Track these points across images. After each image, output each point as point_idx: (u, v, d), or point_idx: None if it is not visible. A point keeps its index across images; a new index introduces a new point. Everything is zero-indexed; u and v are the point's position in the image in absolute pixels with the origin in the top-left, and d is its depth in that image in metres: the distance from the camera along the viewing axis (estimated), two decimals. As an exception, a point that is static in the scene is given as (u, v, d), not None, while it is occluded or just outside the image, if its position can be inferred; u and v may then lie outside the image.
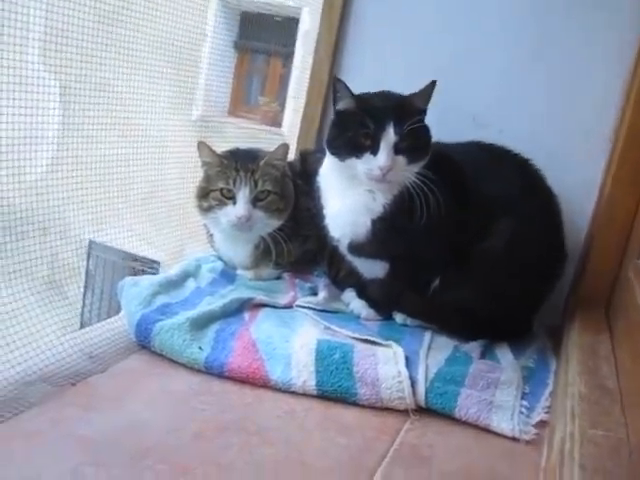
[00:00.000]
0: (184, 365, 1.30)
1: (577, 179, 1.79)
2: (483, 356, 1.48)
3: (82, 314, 5.22)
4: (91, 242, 4.95)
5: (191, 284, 1.62)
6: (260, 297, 1.57)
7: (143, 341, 1.35)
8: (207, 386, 1.25)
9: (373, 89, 1.53)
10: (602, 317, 1.60)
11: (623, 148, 1.60)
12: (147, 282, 1.51)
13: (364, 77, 1.91)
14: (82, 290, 5.31)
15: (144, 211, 2.10)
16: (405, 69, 1.93)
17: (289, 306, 1.61)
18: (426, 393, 1.26)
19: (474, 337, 1.54)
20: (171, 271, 1.64)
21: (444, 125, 1.53)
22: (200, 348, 1.31)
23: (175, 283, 1.58)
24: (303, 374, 1.27)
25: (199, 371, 1.29)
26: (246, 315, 1.50)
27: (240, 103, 6.43)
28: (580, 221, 1.79)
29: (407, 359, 1.33)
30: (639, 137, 1.60)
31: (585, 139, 1.80)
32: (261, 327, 1.43)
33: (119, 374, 1.25)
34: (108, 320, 1.46)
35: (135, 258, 5.19)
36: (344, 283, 1.76)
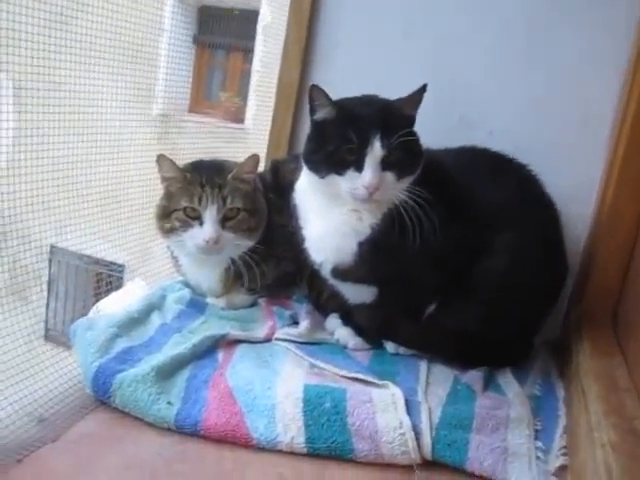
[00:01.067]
0: (151, 424, 1.13)
1: (574, 183, 1.65)
2: (486, 387, 1.34)
3: (46, 320, 5.10)
4: (53, 247, 4.82)
5: (156, 320, 1.43)
6: (234, 332, 1.40)
7: (102, 397, 1.16)
8: (180, 450, 1.07)
9: (351, 94, 1.36)
10: (610, 335, 1.47)
11: (626, 150, 1.46)
12: (104, 323, 1.32)
13: (340, 80, 1.72)
14: (45, 295, 5.16)
15: (107, 212, 2.00)
16: (386, 67, 1.78)
17: (268, 339, 1.43)
18: (433, 444, 1.10)
19: (474, 364, 1.40)
20: (132, 305, 1.45)
21: (428, 126, 1.35)
22: (169, 403, 1.14)
23: (137, 321, 1.39)
24: (291, 429, 1.10)
25: (169, 430, 1.12)
26: (220, 355, 1.32)
27: (201, 99, 6.25)
28: (578, 229, 1.66)
29: (406, 402, 1.17)
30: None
31: (582, 141, 1.66)
32: (238, 370, 1.25)
33: (74, 442, 1.06)
34: (60, 370, 1.26)
35: (99, 262, 5.07)
36: (327, 307, 1.59)
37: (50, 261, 5.24)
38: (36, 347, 1.58)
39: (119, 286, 1.90)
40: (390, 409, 1.14)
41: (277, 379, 1.22)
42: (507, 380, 1.38)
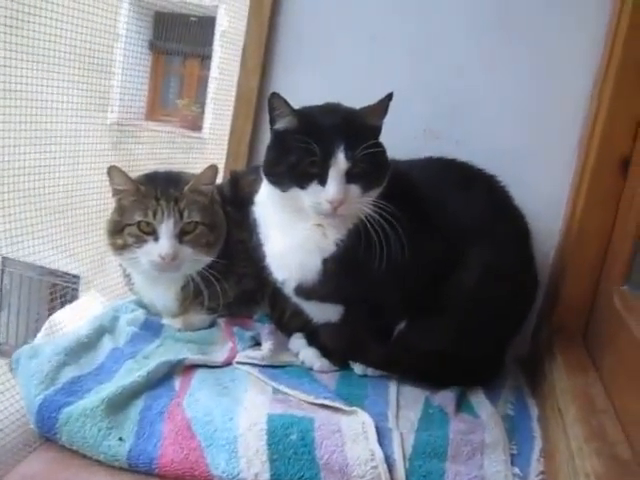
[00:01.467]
0: (102, 462, 1.04)
1: (542, 193, 1.62)
2: (459, 408, 1.28)
3: None
4: (4, 258, 4.79)
5: (107, 344, 1.33)
6: (192, 357, 1.31)
7: (47, 433, 1.07)
8: (133, 492, 0.98)
9: (314, 102, 1.29)
10: (583, 351, 1.43)
11: (596, 160, 1.43)
12: (49, 351, 1.22)
13: (302, 88, 1.66)
14: None
15: (61, 222, 1.86)
16: (352, 73, 1.71)
17: (228, 363, 1.35)
18: (407, 477, 1.04)
19: (446, 384, 1.34)
20: (82, 328, 1.35)
21: (391, 137, 1.29)
22: (121, 439, 1.05)
23: (86, 346, 1.29)
24: (254, 464, 1.02)
25: (122, 469, 1.03)
26: (177, 382, 1.23)
27: (157, 106, 6.15)
28: (546, 242, 1.62)
29: (377, 429, 1.11)
30: (612, 148, 1.42)
31: (550, 149, 1.63)
32: (196, 399, 1.17)
33: (15, 487, 0.96)
34: (3, 398, 1.16)
35: (54, 273, 4.88)
36: (291, 326, 1.52)
37: (2, 272, 5.16)
38: None
39: (74, 298, 1.87)
40: (360, 439, 1.07)
41: (239, 408, 1.13)
42: (479, 400, 1.33)
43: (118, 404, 1.10)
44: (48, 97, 1.81)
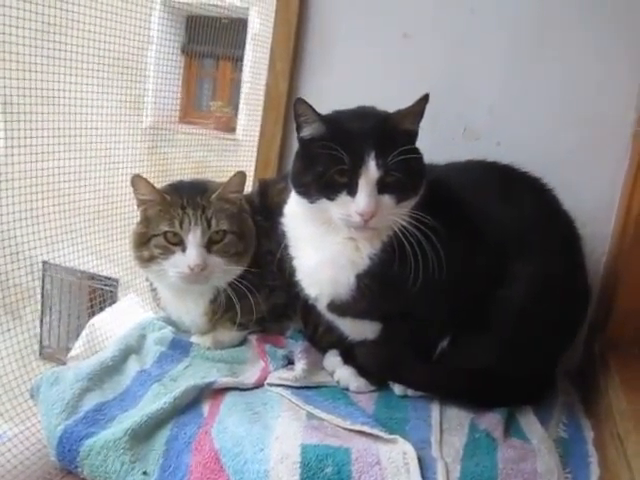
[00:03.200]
0: (125, 498, 0.97)
1: (591, 195, 1.51)
2: (507, 432, 1.19)
3: (40, 338, 5.09)
4: (45, 263, 4.69)
5: (133, 366, 1.28)
6: (222, 380, 1.24)
7: (69, 466, 1.02)
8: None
9: (345, 107, 1.21)
10: (641, 366, 1.32)
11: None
12: (72, 376, 1.17)
13: (333, 92, 1.59)
14: (39, 313, 5.13)
15: (99, 227, 1.95)
16: (384, 74, 1.62)
17: (259, 384, 1.28)
18: (452, 514, 0.95)
19: (492, 406, 1.25)
20: (107, 350, 1.30)
21: (427, 139, 1.21)
22: (145, 473, 0.99)
23: (111, 369, 1.24)
24: (286, 501, 0.95)
25: (146, 506, 0.96)
26: (205, 407, 1.17)
27: (191, 109, 6.16)
28: (597, 247, 1.51)
29: (419, 459, 1.02)
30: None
31: (599, 147, 1.51)
32: (226, 426, 1.10)
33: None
34: (21, 433, 1.11)
35: (92, 277, 5.04)
36: (324, 342, 1.44)
37: (43, 277, 5.17)
38: (31, 364, 1.51)
39: (113, 301, 1.87)
40: (402, 472, 0.99)
41: (270, 438, 1.06)
42: (529, 422, 1.24)
43: (143, 434, 1.04)
44: (84, 102, 1.84)
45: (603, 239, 1.52)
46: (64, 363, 1.51)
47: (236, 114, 5.50)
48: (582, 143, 1.52)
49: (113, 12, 1.81)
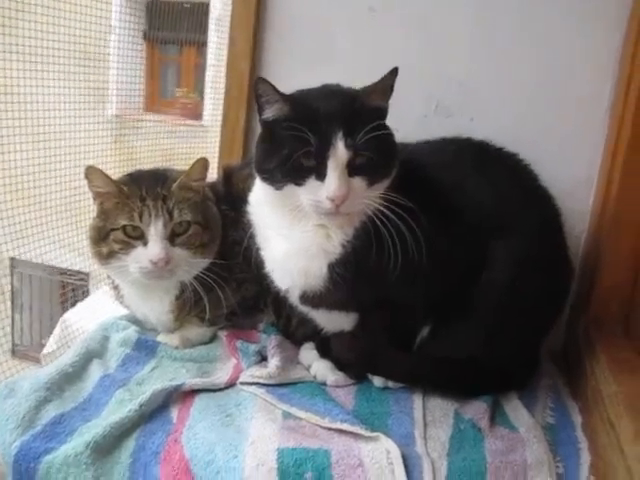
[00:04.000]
0: (88, 518, 0.90)
1: (568, 171, 1.46)
2: (492, 420, 1.13)
3: (12, 336, 4.83)
4: (12, 259, 4.66)
5: (95, 371, 1.20)
6: (191, 381, 1.16)
7: (26, 486, 0.93)
8: None
9: (311, 85, 1.13)
10: (626, 345, 1.29)
11: (633, 133, 1.25)
12: (28, 387, 1.08)
13: (297, 69, 1.51)
14: (9, 311, 4.80)
15: (66, 220, 1.88)
16: (348, 53, 1.54)
17: (232, 383, 1.21)
18: (441, 516, 0.89)
19: (476, 394, 1.19)
20: (66, 356, 1.22)
21: (398, 117, 1.13)
22: (109, 490, 0.91)
23: (71, 376, 1.16)
24: (262, 512, 0.88)
25: (110, 525, 0.89)
26: (174, 412, 1.09)
27: (156, 97, 6.04)
28: (576, 224, 1.46)
29: (404, 457, 0.96)
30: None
31: (576, 125, 1.47)
32: (196, 432, 1.03)
33: None
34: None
35: (62, 271, 4.86)
36: (298, 335, 1.37)
37: (12, 274, 5.03)
38: (3, 363, 1.57)
39: (85, 295, 1.79)
40: (386, 473, 0.93)
41: (245, 443, 0.99)
42: (515, 408, 1.19)
43: (106, 447, 0.97)
44: (45, 94, 1.82)
45: (582, 216, 1.48)
46: (38, 360, 1.44)
47: (202, 100, 5.40)
48: (558, 118, 1.48)
49: (71, 1, 1.78)
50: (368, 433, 1.01)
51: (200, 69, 5.80)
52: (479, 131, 1.29)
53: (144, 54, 5.39)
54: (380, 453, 0.97)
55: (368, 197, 1.04)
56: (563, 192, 1.29)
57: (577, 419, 1.20)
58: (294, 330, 1.39)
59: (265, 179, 1.08)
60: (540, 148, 1.33)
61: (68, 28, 1.80)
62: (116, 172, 1.34)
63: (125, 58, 2.72)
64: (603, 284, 1.36)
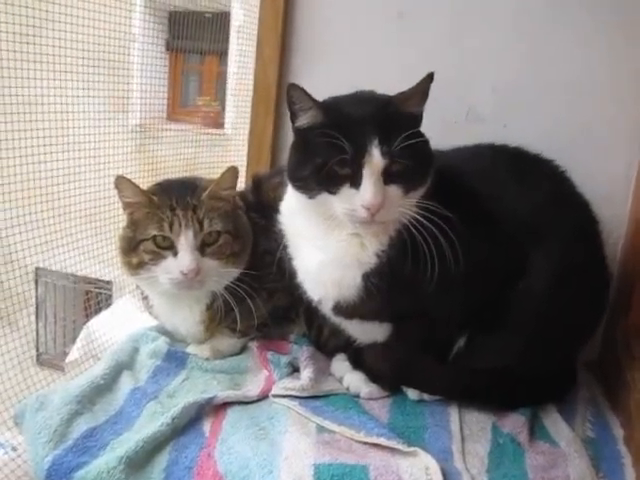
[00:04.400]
0: (122, 534, 0.88)
1: (605, 178, 1.42)
2: (532, 434, 1.10)
3: (37, 344, 4.94)
4: (38, 269, 4.63)
5: (126, 384, 1.18)
6: (223, 394, 1.14)
7: (59, 501, 0.92)
8: None
9: (341, 93, 1.11)
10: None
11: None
12: (59, 400, 1.07)
13: (326, 77, 1.49)
14: (34, 320, 4.96)
15: (90, 229, 1.88)
16: (378, 59, 1.52)
17: (264, 396, 1.19)
18: (483, 534, 0.86)
19: (514, 406, 1.16)
20: (96, 368, 1.21)
21: (426, 122, 1.09)
22: (143, 505, 0.89)
23: (102, 389, 1.14)
24: (300, 531, 0.86)
25: (146, 542, 0.87)
26: (206, 426, 1.08)
27: (178, 106, 6.04)
28: (613, 230, 1.41)
29: (443, 473, 0.93)
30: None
31: (611, 124, 1.43)
32: (230, 446, 1.01)
33: None
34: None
35: (86, 280, 4.86)
36: (330, 346, 1.35)
37: (36, 283, 5.04)
38: (28, 370, 1.53)
39: (109, 303, 1.80)
40: (425, 489, 0.90)
41: (279, 457, 0.97)
42: (555, 422, 1.16)
43: (139, 461, 0.96)
44: (69, 104, 1.81)
45: (619, 221, 1.44)
46: (62, 368, 1.44)
47: (223, 109, 5.41)
48: (594, 121, 1.43)
49: (94, 10, 1.76)
50: (406, 448, 0.99)
51: (221, 78, 5.83)
52: (512, 137, 1.26)
53: (167, 63, 5.41)
54: (419, 469, 0.94)
55: (404, 205, 1.01)
56: (599, 197, 1.25)
57: (619, 433, 1.16)
58: (326, 341, 1.36)
59: (298, 187, 1.06)
60: (575, 152, 1.31)
61: (90, 37, 1.80)
62: (139, 182, 1.32)
63: (148, 67, 2.73)
64: (642, 293, 1.32)
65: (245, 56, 1.85)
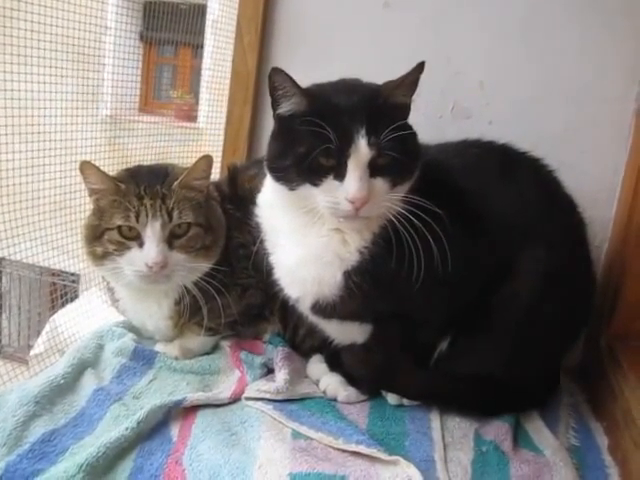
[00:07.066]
0: None
1: (591, 179, 1.40)
2: (515, 442, 1.06)
3: (0, 337, 4.92)
4: (2, 259, 4.67)
5: (89, 383, 1.11)
6: (192, 396, 1.08)
7: (12, 511, 0.85)
8: None
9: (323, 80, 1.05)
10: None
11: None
12: (16, 400, 0.99)
13: (309, 64, 1.43)
14: None
15: (57, 220, 1.80)
16: (362, 48, 1.47)
17: (236, 398, 1.12)
18: None
19: (497, 413, 1.12)
20: (58, 364, 1.13)
21: (414, 116, 1.04)
22: (103, 517, 0.82)
23: (62, 389, 1.07)
24: None
25: None
26: (174, 430, 1.01)
27: (151, 98, 5.95)
28: (598, 232, 1.39)
29: (425, 483, 0.89)
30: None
31: (599, 124, 1.40)
32: (199, 452, 0.95)
33: None
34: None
35: (52, 272, 4.82)
36: (306, 346, 1.29)
37: (0, 274, 5.01)
38: None
39: (75, 296, 1.80)
40: (408, 502, 0.85)
41: (252, 466, 0.91)
42: (538, 429, 1.13)
43: (101, 469, 0.89)
44: (38, 94, 1.75)
45: (604, 224, 1.41)
46: (26, 362, 1.42)
47: (197, 102, 5.34)
48: (581, 121, 1.41)
49: (66, 0, 1.70)
50: (386, 456, 0.94)
51: (195, 71, 5.74)
52: (498, 135, 1.22)
53: (140, 55, 5.33)
54: (399, 475, 0.89)
55: (389, 199, 0.96)
56: (584, 199, 1.22)
57: (602, 441, 1.13)
58: (301, 341, 1.31)
59: (278, 178, 0.99)
60: (561, 153, 1.26)
61: (62, 28, 1.73)
62: (109, 172, 1.26)
63: (121, 58, 2.64)
64: (628, 297, 1.29)
65: (220, 50, 1.81)
